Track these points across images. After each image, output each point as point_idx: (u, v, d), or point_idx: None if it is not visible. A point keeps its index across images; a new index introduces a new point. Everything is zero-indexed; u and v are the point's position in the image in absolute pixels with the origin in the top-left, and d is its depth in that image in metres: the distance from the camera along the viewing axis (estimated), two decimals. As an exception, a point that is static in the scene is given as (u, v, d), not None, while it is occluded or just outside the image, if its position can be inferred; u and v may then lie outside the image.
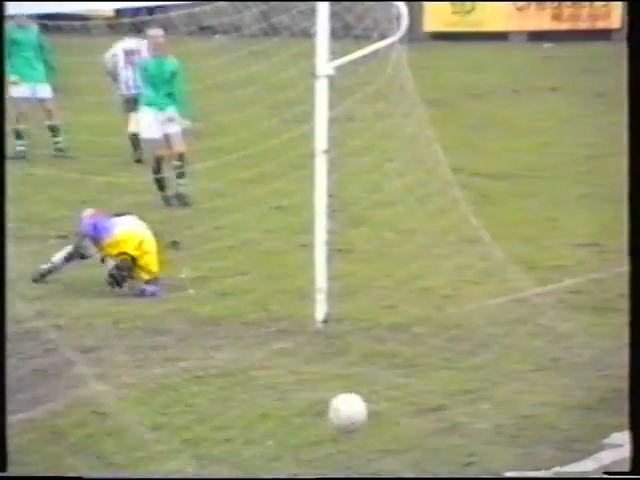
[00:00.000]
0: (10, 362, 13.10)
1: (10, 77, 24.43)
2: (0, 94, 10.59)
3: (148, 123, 21.55)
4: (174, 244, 18.32)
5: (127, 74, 26.66)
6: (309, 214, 15.39)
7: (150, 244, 17.71)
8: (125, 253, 17.59)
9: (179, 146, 21.03)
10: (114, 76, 27.05)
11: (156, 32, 22.06)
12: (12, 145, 23.94)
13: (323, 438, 12.23)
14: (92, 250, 17.71)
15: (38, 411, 12.83)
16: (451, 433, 12.38)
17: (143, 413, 12.77)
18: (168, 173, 20.76)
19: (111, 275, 17.44)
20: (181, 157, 20.96)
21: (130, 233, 17.64)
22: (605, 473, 10.41)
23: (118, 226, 17.56)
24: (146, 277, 17.63)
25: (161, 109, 21.68)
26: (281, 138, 17.05)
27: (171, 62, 22.03)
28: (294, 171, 16.24)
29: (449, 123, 20.35)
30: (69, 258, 17.72)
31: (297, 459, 11.80)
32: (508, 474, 10.58)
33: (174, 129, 21.39)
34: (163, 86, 21.79)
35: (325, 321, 15.21)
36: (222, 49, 21.67)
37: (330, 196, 15.36)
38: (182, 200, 20.59)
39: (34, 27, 25.74)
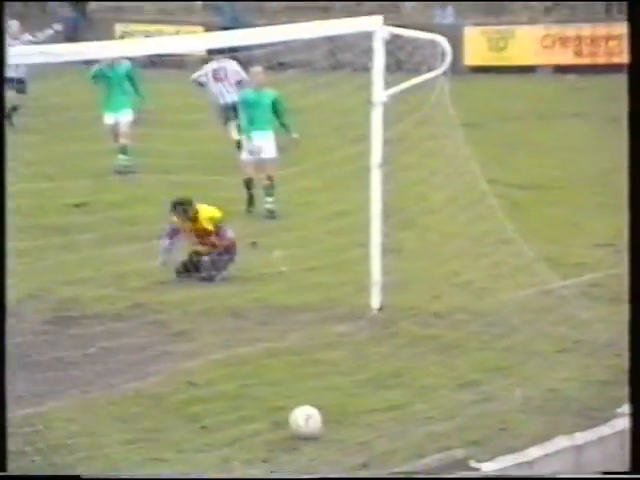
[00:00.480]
0: (121, 342, 13.57)
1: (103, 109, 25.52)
2: (0, 95, 10.02)
3: (247, 147, 21.43)
4: (253, 244, 18.40)
5: (218, 86, 26.69)
6: (366, 218, 15.44)
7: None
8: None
9: (271, 170, 20.87)
10: (206, 88, 26.92)
11: (257, 69, 21.99)
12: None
13: (379, 407, 12.42)
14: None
15: (145, 382, 13.02)
16: (487, 403, 12.45)
17: (228, 384, 12.84)
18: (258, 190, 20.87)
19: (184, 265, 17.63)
20: (270, 178, 20.93)
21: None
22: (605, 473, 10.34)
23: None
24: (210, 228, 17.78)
25: (258, 135, 21.36)
26: (343, 154, 17.22)
27: (270, 93, 21.75)
28: (354, 182, 16.34)
29: (485, 143, 20.38)
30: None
31: (357, 424, 11.96)
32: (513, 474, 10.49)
33: (268, 154, 21.27)
34: (262, 114, 21.48)
35: (380, 309, 15.36)
36: (296, 81, 21.79)
37: (383, 203, 15.49)
38: (270, 215, 20.46)
39: (125, 63, 25.64)
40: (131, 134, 25.16)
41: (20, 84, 29.17)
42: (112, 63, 25.45)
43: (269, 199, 20.86)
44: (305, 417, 11.60)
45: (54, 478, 10.55)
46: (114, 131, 25.60)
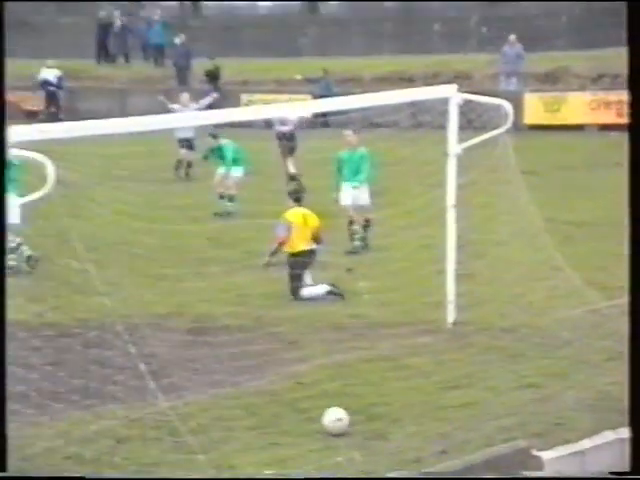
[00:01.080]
0: (245, 349, 13.77)
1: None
2: (1, 106, 8.61)
3: (345, 195, 21.27)
4: (348, 270, 18.35)
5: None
6: (443, 249, 15.47)
7: (313, 219, 17.90)
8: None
9: (368, 214, 20.96)
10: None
11: (348, 132, 21.66)
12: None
13: (455, 404, 12.47)
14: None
15: (264, 381, 13.20)
16: (545, 402, 12.46)
17: (330, 384, 12.94)
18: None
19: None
20: (368, 221, 20.73)
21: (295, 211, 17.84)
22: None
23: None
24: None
25: (352, 186, 21.04)
26: (425, 198, 17.37)
27: (360, 152, 21.63)
28: (435, 220, 16.13)
29: (542, 187, 20.24)
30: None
31: (437, 418, 12.02)
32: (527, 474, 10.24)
33: (363, 201, 21.19)
34: (354, 168, 21.16)
35: (454, 324, 15.35)
36: (385, 139, 21.93)
37: (458, 237, 15.53)
38: (364, 248, 20.19)
39: (229, 144, 25.92)
40: (238, 186, 25.50)
41: (189, 141, 30.22)
42: (221, 145, 25.87)
43: (366, 234, 20.84)
44: (335, 419, 11.60)
45: (54, 479, 10.01)
46: (224, 182, 25.78)
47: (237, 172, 25.78)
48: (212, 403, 12.43)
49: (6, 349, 8.39)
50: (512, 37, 39.61)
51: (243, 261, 18.13)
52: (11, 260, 18.54)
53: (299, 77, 42.85)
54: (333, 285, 17.47)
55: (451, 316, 15.45)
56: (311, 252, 17.69)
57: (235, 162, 25.66)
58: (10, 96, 43.27)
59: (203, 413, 12.00)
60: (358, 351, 14.34)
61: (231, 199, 25.35)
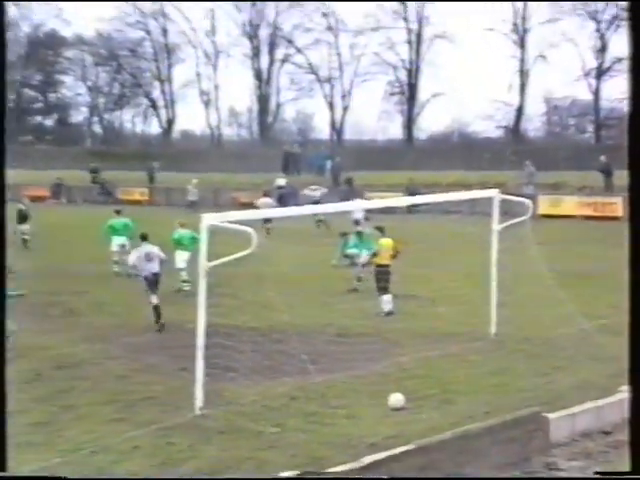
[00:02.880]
0: (359, 347, 13.40)
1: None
2: (1, 108, 6.80)
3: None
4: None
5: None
6: (488, 288, 15.12)
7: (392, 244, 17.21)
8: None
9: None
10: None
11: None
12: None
13: (493, 384, 12.14)
14: None
15: (375, 368, 13.04)
16: (552, 385, 12.06)
17: (420, 370, 12.82)
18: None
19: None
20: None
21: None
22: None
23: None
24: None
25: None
26: (478, 256, 16.82)
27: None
28: (483, 270, 15.59)
29: (549, 253, 19.27)
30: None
31: (481, 392, 11.71)
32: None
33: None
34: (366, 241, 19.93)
35: (495, 334, 14.94)
36: (453, 219, 21.80)
37: (498, 282, 15.12)
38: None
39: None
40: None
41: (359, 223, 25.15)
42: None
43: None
44: (396, 400, 11.12)
45: (54, 479, 8.18)
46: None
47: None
48: (347, 380, 12.32)
49: (6, 349, 6.93)
50: (528, 162, 41.12)
51: (367, 293, 18.01)
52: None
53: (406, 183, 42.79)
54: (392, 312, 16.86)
55: (493, 329, 15.08)
56: (389, 265, 17.13)
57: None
58: (242, 196, 43.26)
59: (342, 385, 12.04)
60: (436, 350, 14.00)
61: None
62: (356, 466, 8.37)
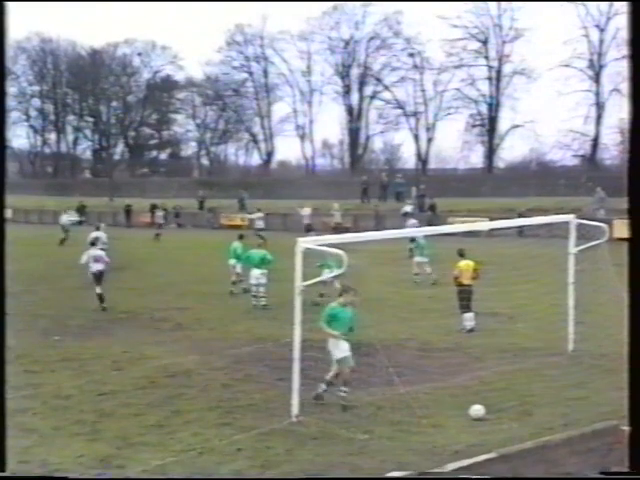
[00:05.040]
0: (444, 361, 13.25)
1: None
2: (1, 104, 6.14)
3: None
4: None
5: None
6: (566, 307, 14.65)
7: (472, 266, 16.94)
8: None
9: None
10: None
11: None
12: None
13: (571, 397, 11.71)
14: None
15: (459, 380, 12.76)
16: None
17: (500, 383, 12.50)
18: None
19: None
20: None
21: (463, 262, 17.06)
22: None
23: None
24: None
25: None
26: (555, 277, 16.15)
27: None
28: (560, 290, 15.14)
29: (624, 273, 18.92)
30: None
31: (562, 405, 11.35)
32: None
33: None
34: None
35: (573, 350, 14.52)
36: (530, 243, 21.31)
37: (575, 300, 14.73)
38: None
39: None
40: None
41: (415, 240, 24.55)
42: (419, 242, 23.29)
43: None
44: (476, 411, 10.88)
45: (54, 479, 8.07)
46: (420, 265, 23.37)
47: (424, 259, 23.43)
48: (430, 391, 12.13)
49: (5, 350, 6.60)
50: (599, 189, 40.76)
51: (447, 311, 17.72)
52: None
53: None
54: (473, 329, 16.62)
55: (571, 346, 14.68)
56: (471, 285, 16.90)
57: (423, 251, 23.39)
58: (332, 221, 44.36)
59: (425, 396, 11.82)
60: (515, 364, 13.68)
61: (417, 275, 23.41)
62: (441, 472, 8.22)
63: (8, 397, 10.86)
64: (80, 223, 46.65)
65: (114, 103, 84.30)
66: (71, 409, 11.32)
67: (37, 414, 11.09)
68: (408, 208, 42.91)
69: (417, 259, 23.66)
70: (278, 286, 18.55)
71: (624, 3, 7.28)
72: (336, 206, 44.64)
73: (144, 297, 22.14)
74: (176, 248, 37.04)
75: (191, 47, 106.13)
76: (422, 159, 72.15)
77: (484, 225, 24.22)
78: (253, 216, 43.29)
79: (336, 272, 10.62)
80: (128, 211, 53.46)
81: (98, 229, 27.62)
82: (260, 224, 41.00)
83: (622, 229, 35.30)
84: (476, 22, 67.58)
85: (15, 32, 77.33)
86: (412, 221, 33.30)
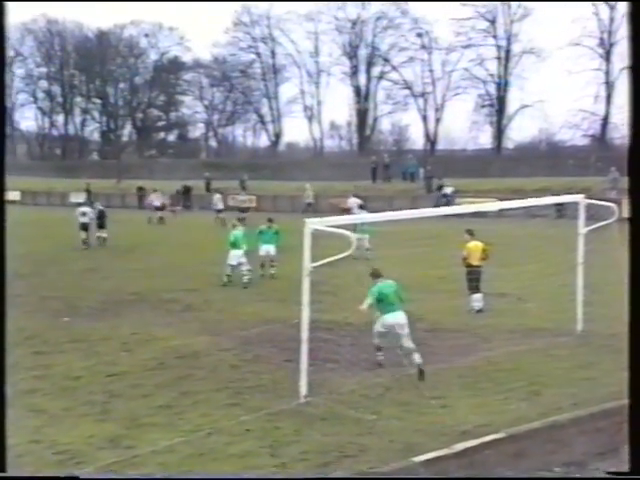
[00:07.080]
0: (453, 342, 13.23)
1: None
2: (1, 101, 6.20)
3: None
4: (519, 299, 17.56)
5: None
6: (574, 288, 14.67)
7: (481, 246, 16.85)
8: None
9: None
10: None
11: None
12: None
13: (579, 378, 11.69)
14: None
15: (468, 360, 12.77)
16: None
17: (508, 364, 12.43)
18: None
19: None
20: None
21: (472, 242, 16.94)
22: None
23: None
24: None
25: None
26: (564, 257, 15.94)
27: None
28: (569, 270, 15.06)
29: None
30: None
31: (571, 385, 11.30)
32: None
33: None
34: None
35: (582, 331, 14.47)
36: (537, 223, 21.17)
37: (584, 280, 14.65)
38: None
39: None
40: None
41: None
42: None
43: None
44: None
45: (54, 479, 7.71)
46: None
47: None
48: (439, 372, 12.07)
49: (5, 351, 6.43)
50: (613, 168, 39.40)
51: (456, 292, 17.66)
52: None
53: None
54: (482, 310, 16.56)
55: (580, 326, 14.63)
56: (480, 266, 16.79)
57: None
58: (341, 202, 44.42)
59: (434, 376, 11.76)
60: (523, 345, 13.58)
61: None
62: (449, 452, 8.23)
63: (19, 378, 11.09)
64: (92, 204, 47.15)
65: (121, 85, 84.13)
66: (81, 390, 11.37)
67: (47, 395, 11.14)
68: (448, 190, 42.74)
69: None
70: (288, 268, 18.51)
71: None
72: (308, 187, 46.41)
73: (153, 279, 22.17)
74: (184, 229, 37.07)
75: (198, 28, 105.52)
76: (430, 140, 71.79)
77: (493, 205, 24.16)
78: (243, 197, 45.54)
79: (344, 254, 10.56)
80: (141, 195, 53.23)
81: (92, 204, 33.21)
82: (220, 205, 41.46)
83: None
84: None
85: (22, 14, 77.60)
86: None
